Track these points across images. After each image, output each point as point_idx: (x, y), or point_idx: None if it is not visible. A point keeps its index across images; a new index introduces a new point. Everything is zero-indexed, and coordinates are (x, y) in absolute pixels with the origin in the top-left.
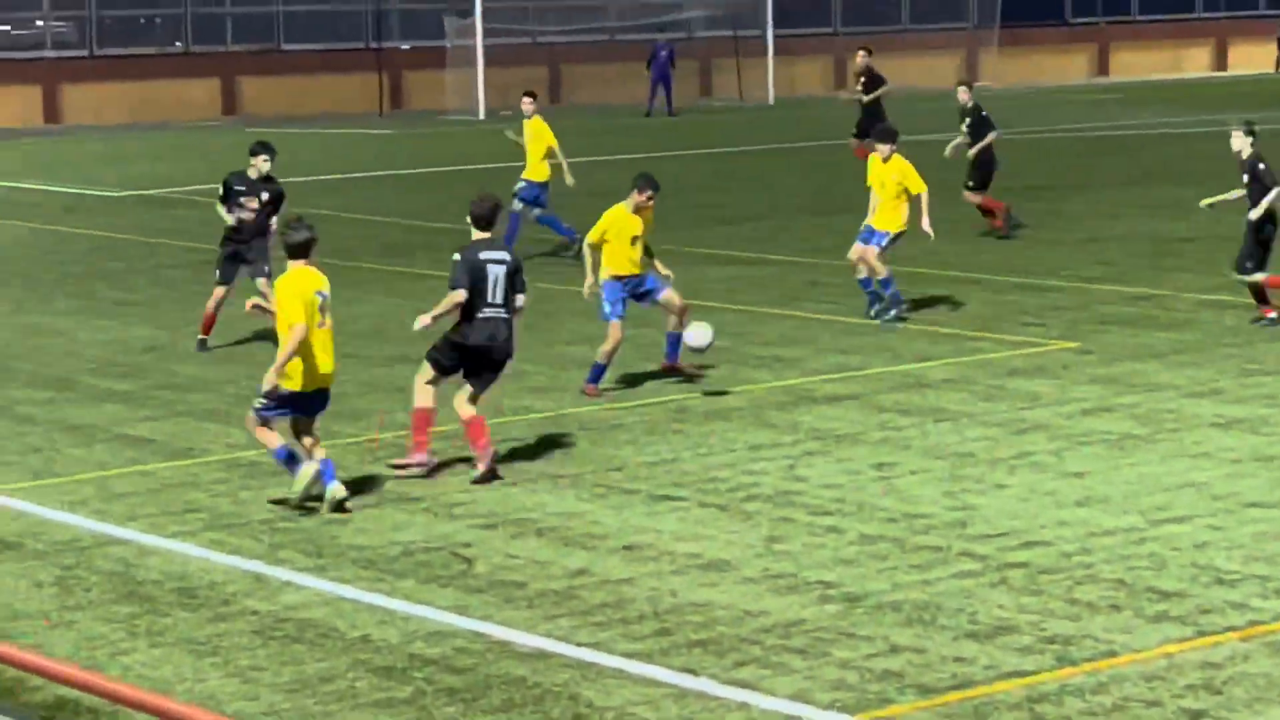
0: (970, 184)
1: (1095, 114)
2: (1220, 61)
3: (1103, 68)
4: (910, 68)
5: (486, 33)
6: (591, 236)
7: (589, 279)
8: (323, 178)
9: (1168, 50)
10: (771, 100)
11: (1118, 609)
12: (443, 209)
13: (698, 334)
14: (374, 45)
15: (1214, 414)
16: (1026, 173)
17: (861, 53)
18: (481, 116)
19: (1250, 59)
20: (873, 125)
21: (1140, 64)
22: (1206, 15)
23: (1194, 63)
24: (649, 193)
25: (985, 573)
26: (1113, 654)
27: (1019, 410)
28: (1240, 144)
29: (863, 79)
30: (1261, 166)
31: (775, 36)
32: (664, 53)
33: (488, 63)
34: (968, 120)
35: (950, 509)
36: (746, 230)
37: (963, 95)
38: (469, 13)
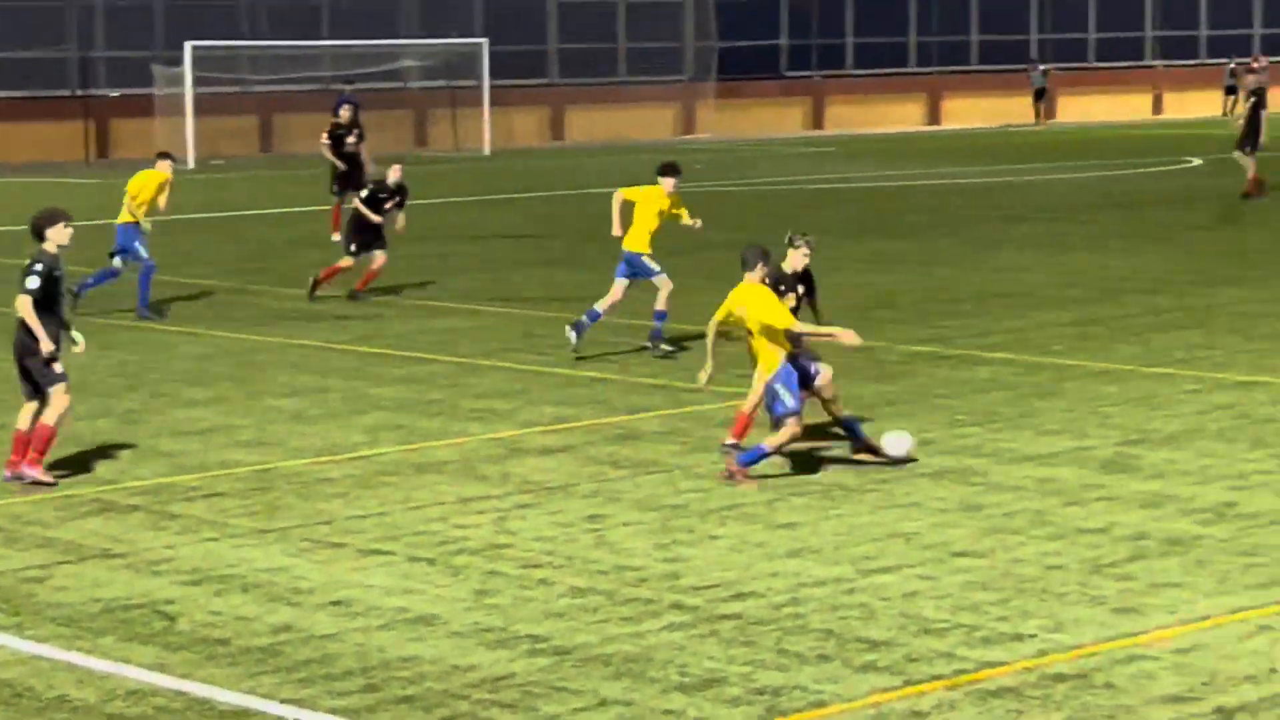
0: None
1: (811, 167)
2: (934, 115)
3: (818, 121)
4: (627, 119)
5: (196, 81)
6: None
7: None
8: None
9: (881, 104)
10: (488, 151)
11: (827, 659)
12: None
13: (898, 443)
14: (80, 92)
15: (924, 464)
16: (745, 225)
17: None
18: (191, 165)
19: (963, 113)
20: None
21: (854, 117)
22: (920, 70)
23: (908, 117)
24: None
25: (696, 624)
26: (822, 704)
27: None
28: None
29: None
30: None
31: (492, 87)
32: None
33: (198, 111)
34: None
35: (661, 560)
36: (461, 281)
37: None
38: (178, 61)
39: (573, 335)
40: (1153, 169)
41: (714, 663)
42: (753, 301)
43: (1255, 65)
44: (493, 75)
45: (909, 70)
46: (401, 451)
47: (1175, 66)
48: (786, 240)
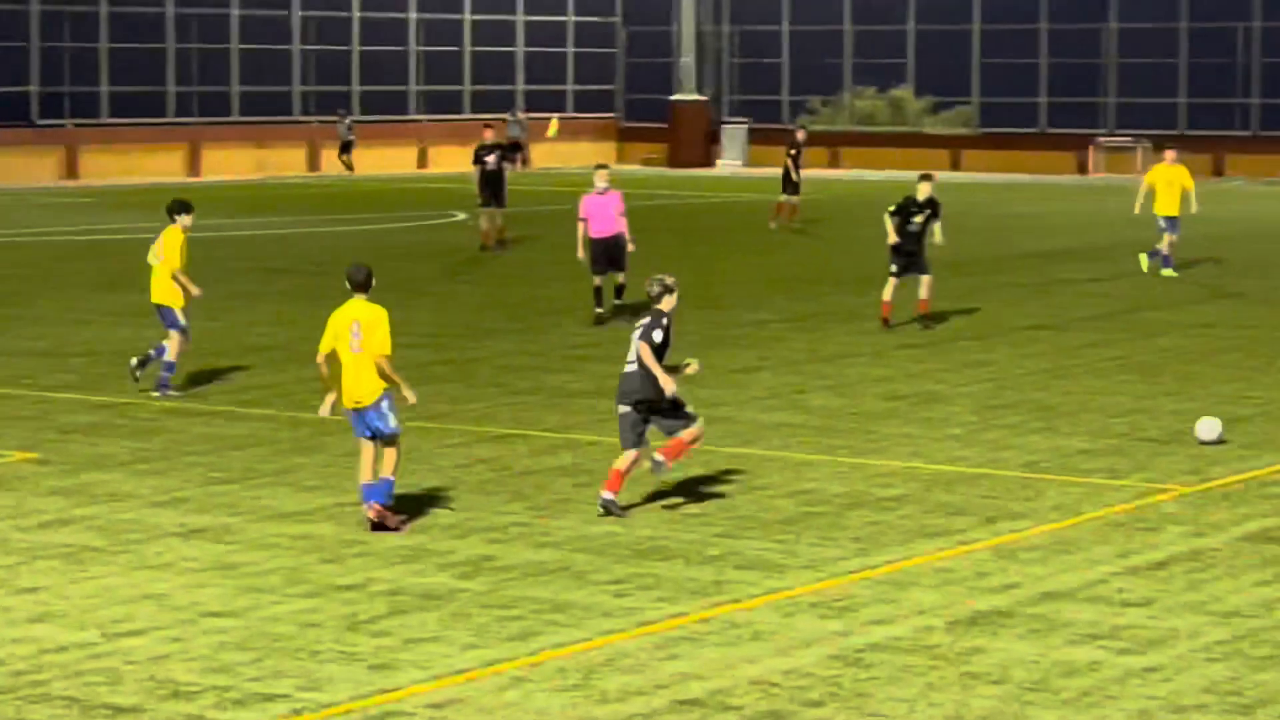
0: None
1: (64, 218)
2: (194, 166)
3: (72, 170)
4: None
5: None
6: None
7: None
8: None
9: (140, 154)
10: None
11: None
12: None
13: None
14: None
15: (177, 523)
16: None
17: None
18: None
19: (224, 164)
20: None
21: (112, 167)
22: (179, 120)
23: (167, 167)
24: None
25: None
26: None
27: None
28: None
29: None
30: None
31: None
32: None
33: None
34: None
35: None
36: None
37: None
38: None
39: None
40: (418, 223)
41: None
42: (369, 320)
43: (506, 120)
44: None
45: (168, 120)
46: None
47: (439, 120)
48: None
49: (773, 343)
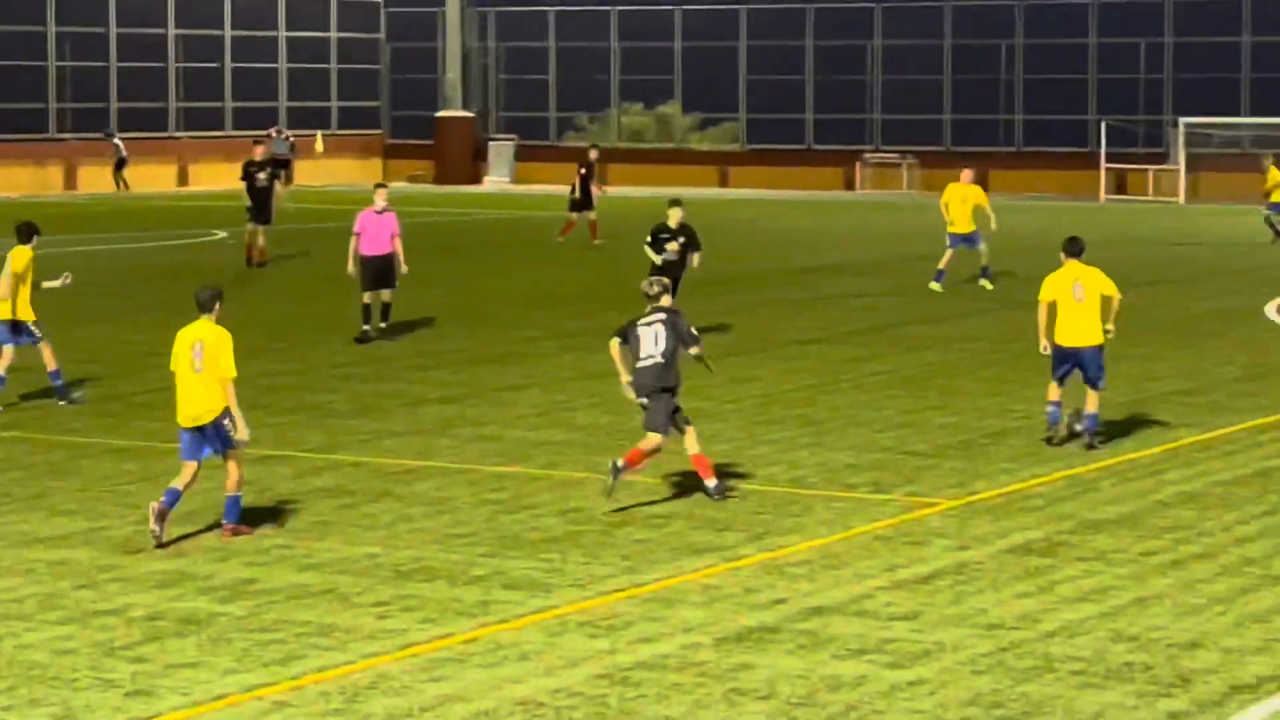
0: None
1: None
2: None
3: None
4: None
5: None
6: None
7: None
8: None
9: None
10: None
11: None
12: None
13: None
14: None
15: None
16: None
17: None
18: None
19: None
20: None
21: None
22: None
23: None
24: None
25: None
26: None
27: None
28: None
29: None
30: None
31: None
32: None
33: None
34: None
35: None
36: None
37: None
38: None
39: None
40: (180, 241)
41: None
42: (212, 341)
43: (272, 136)
44: None
45: None
46: None
47: (200, 138)
48: None
49: (540, 360)
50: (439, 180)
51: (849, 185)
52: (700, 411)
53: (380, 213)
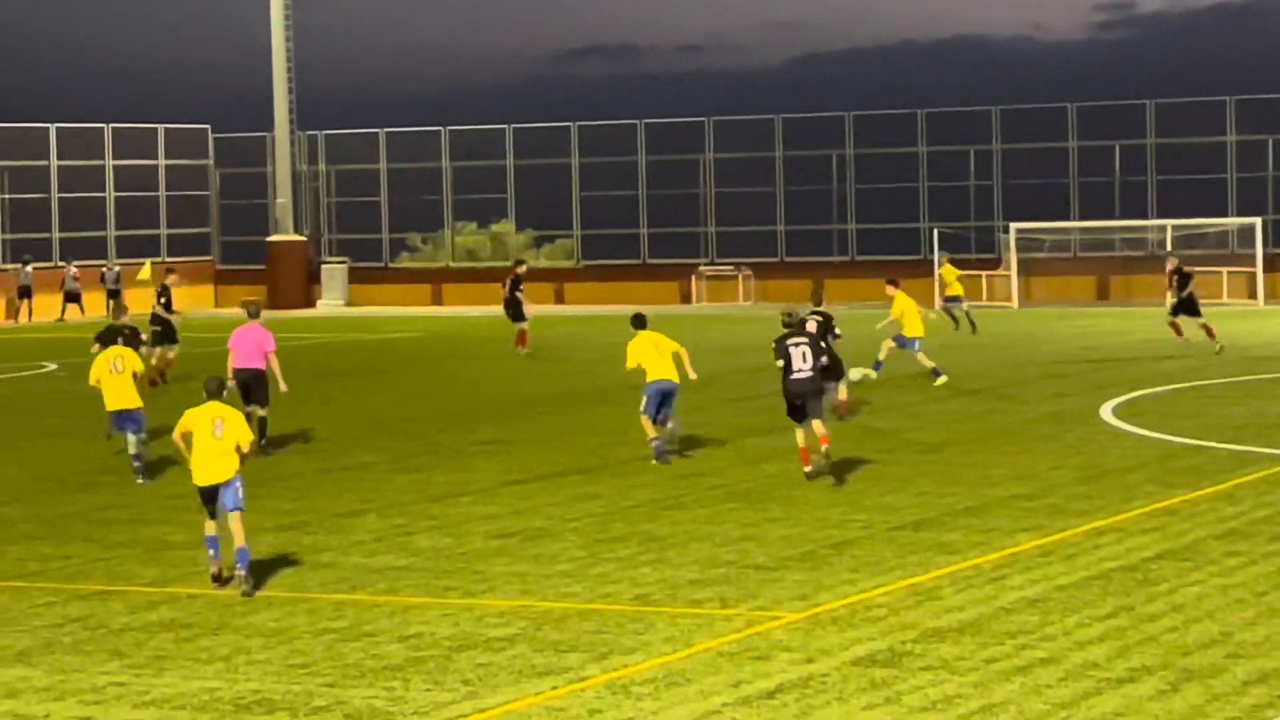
0: None
1: None
2: None
3: None
4: None
5: None
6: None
7: None
8: None
9: None
10: None
11: None
12: None
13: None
14: None
15: None
16: None
17: None
18: None
19: None
20: None
21: None
22: None
23: None
24: None
25: None
26: None
27: None
28: None
29: None
30: None
31: None
32: None
33: None
34: None
35: None
36: None
37: None
38: None
39: None
40: (6, 375)
41: None
42: (229, 416)
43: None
44: None
45: None
46: None
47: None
48: None
49: (377, 484)
50: (272, 305)
51: (685, 299)
52: (540, 531)
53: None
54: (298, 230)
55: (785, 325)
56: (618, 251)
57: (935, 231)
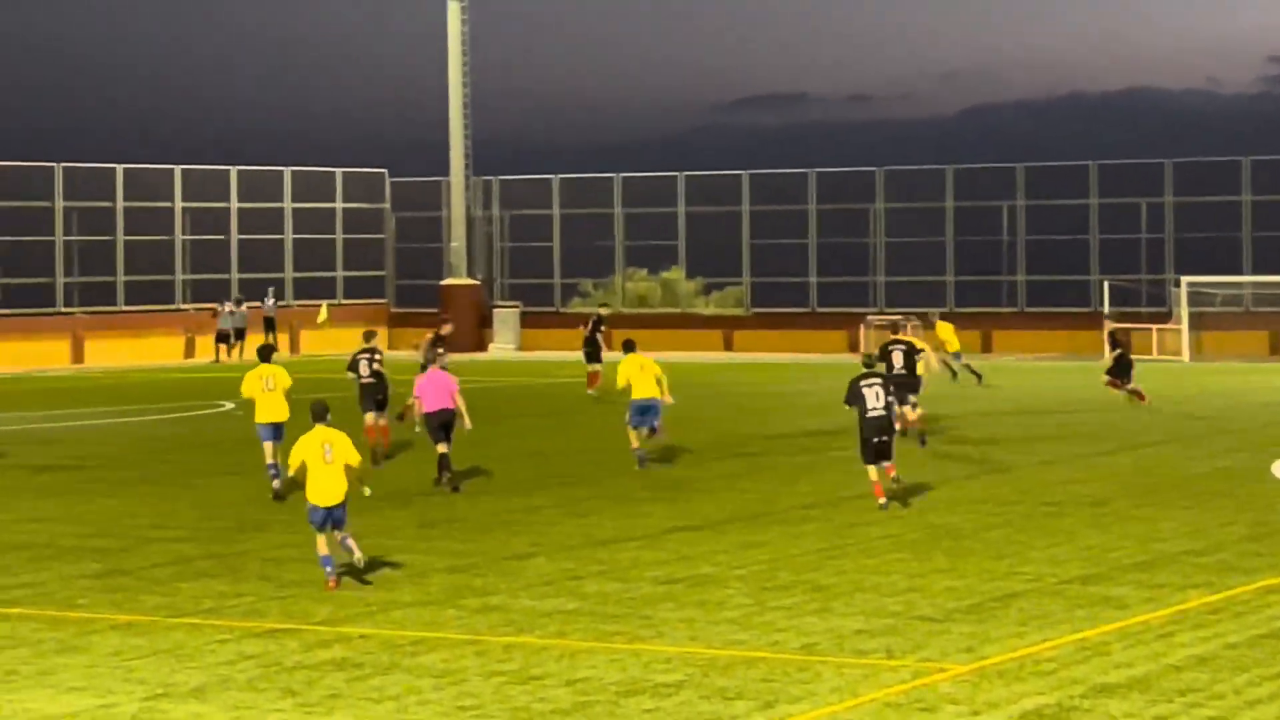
0: None
1: None
2: None
3: None
4: None
5: None
6: None
7: None
8: None
9: None
10: None
11: None
12: None
13: None
14: None
15: None
16: None
17: None
18: None
19: None
20: None
21: None
22: None
23: None
24: None
25: None
26: None
27: None
28: None
29: None
30: None
31: None
32: None
33: None
34: None
35: None
36: None
37: None
38: None
39: None
40: (184, 414)
41: None
42: (336, 440)
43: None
44: None
45: None
46: None
47: (204, 309)
48: None
49: (546, 528)
50: (445, 348)
51: (853, 347)
52: (706, 577)
53: (437, 371)
54: (471, 274)
55: (865, 366)
56: (787, 299)
57: (1105, 284)
